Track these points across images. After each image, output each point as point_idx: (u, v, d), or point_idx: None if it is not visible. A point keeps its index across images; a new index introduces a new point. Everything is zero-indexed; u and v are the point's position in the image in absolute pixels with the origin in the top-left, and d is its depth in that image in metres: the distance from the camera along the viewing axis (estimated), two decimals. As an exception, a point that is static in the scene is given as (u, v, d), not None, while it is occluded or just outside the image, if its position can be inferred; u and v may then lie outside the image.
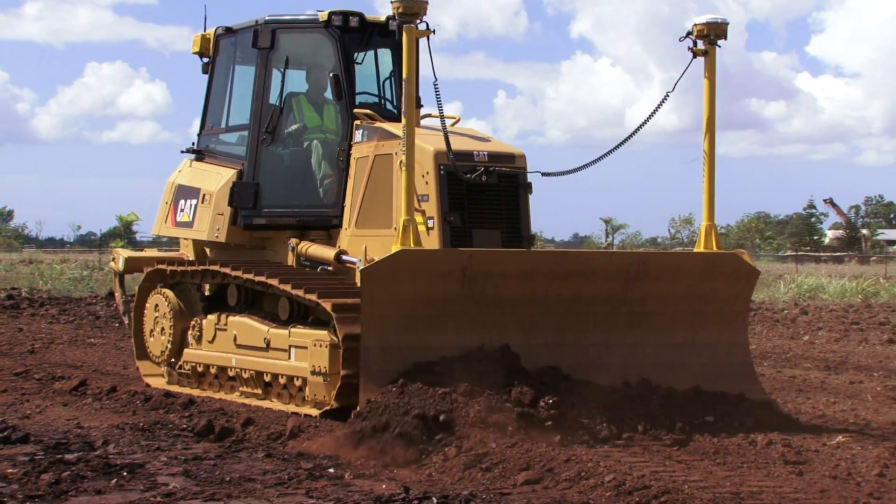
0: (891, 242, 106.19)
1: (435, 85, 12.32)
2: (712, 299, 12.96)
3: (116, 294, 18.15)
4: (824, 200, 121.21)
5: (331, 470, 10.33)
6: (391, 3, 11.90)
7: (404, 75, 11.90)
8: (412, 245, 11.71)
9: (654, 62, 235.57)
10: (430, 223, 13.10)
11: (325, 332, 12.88)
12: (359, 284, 13.23)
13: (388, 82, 15.80)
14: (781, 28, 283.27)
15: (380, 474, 10.19)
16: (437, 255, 12.22)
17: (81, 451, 11.05)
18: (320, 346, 12.83)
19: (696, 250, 13.36)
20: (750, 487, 9.44)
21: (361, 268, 13.11)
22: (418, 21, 11.90)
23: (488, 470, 10.05)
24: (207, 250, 16.32)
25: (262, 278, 13.65)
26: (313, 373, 12.97)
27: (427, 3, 11.91)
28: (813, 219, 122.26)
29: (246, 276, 13.93)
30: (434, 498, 9.11)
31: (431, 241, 12.81)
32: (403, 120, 11.90)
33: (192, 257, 16.54)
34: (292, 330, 13.57)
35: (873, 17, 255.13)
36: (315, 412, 12.84)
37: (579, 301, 12.34)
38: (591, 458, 10.13)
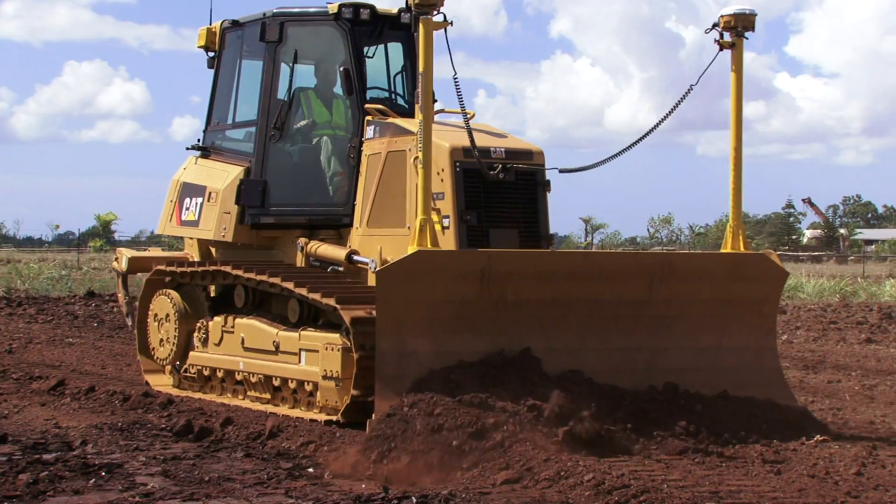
0: (868, 242, 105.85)
1: (455, 79, 11.66)
2: (740, 302, 12.24)
3: (119, 295, 17.26)
4: (802, 200, 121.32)
5: (310, 469, 10.19)
6: None
7: (420, 69, 11.15)
8: (429, 245, 10.99)
9: (634, 62, 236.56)
10: (446, 222, 12.33)
11: (337, 335, 12.20)
12: (371, 285, 12.65)
13: (398, 77, 14.97)
14: (760, 28, 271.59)
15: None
16: (455, 256, 11.50)
17: (59, 451, 10.87)
18: (332, 349, 12.13)
19: (722, 251, 12.57)
20: (728, 486, 9.17)
21: (375, 269, 12.50)
22: (435, 12, 11.14)
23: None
24: (213, 250, 15.58)
25: (277, 280, 12.99)
26: (325, 377, 12.24)
27: None
28: (791, 218, 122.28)
29: (259, 277, 13.26)
30: (413, 497, 8.94)
31: (447, 241, 12.11)
32: (420, 115, 11.14)
33: (197, 257, 15.80)
34: (302, 333, 12.86)
35: (851, 17, 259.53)
36: (326, 418, 12.15)
37: (602, 304, 11.61)
38: (570, 458, 9.78)
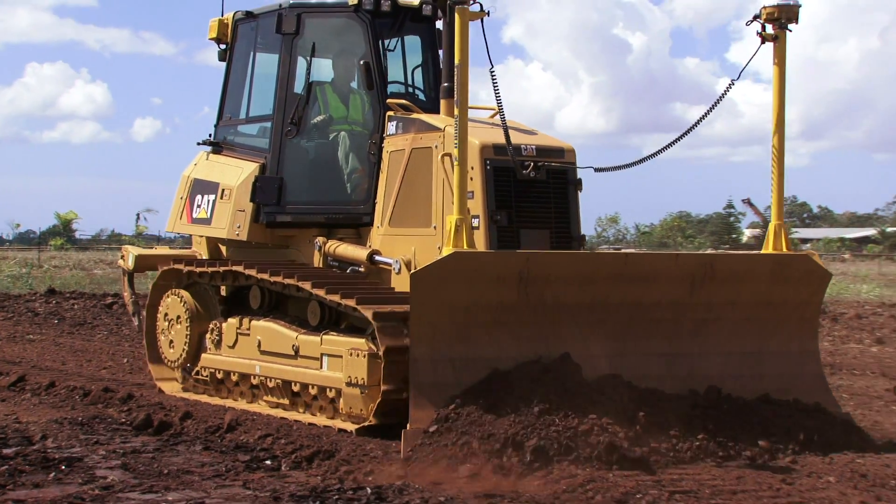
0: (804, 241, 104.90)
1: (491, 72, 10.48)
2: (783, 304, 11.25)
3: (125, 294, 16.02)
4: (742, 200, 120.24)
5: (267, 462, 10.02)
6: None
7: (456, 61, 10.04)
8: (465, 246, 9.95)
9: (584, 67, 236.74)
10: (476, 222, 11.21)
11: (363, 340, 11.14)
12: (394, 288, 11.82)
13: (417, 70, 13.77)
14: (703, 35, 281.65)
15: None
16: (492, 258, 10.44)
17: (20, 445, 10.52)
18: (357, 355, 11.03)
19: (763, 251, 11.55)
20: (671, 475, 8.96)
21: (398, 270, 11.78)
22: (472, 2, 10.05)
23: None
24: (223, 248, 14.36)
25: (292, 281, 11.87)
26: (349, 384, 11.13)
27: None
28: (732, 218, 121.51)
29: (287, 280, 12.04)
30: (368, 489, 8.71)
31: (477, 242, 10.87)
32: (456, 110, 10.05)
33: (206, 255, 14.68)
34: (325, 337, 11.78)
35: (790, 25, 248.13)
36: (351, 426, 11.09)
37: (642, 307, 10.61)
38: (610, 472, 9.08)
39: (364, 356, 10.85)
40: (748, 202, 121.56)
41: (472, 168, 11.11)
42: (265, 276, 12.14)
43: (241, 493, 8.74)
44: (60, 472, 9.33)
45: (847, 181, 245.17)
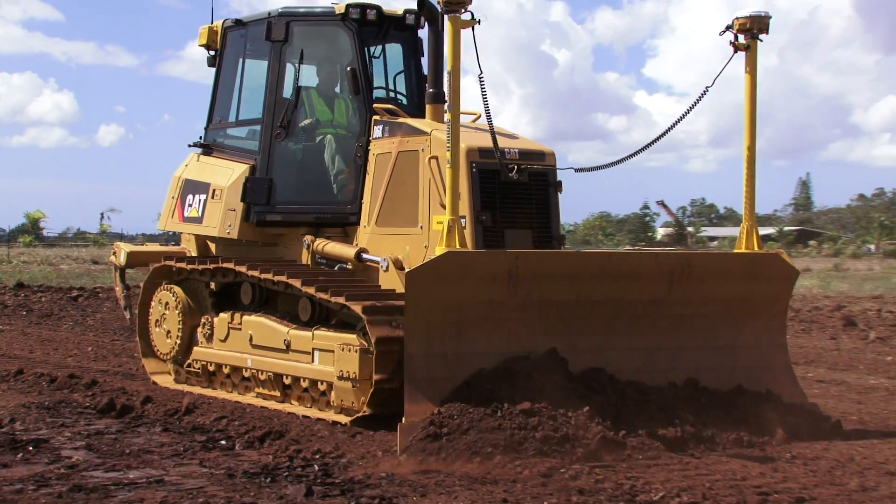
0: (712, 238, 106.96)
1: (480, 78, 10.13)
2: (754, 300, 11.04)
3: (117, 289, 15.66)
4: (657, 202, 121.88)
5: (223, 442, 10.10)
6: None
7: (448, 67, 9.71)
8: (458, 246, 9.65)
9: (514, 80, 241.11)
10: (462, 222, 10.61)
11: (354, 335, 10.84)
12: (381, 285, 11.56)
13: (399, 77, 13.45)
14: (622, 52, 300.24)
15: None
16: (484, 257, 10.12)
17: None
18: (349, 350, 10.74)
19: (736, 251, 11.34)
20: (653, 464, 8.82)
21: (386, 268, 11.46)
22: (463, 10, 9.72)
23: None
24: (212, 245, 13.99)
25: (282, 278, 11.56)
26: (340, 378, 10.84)
27: None
28: (647, 218, 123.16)
29: (264, 275, 11.84)
30: (315, 465, 8.94)
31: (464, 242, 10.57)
32: (448, 114, 9.75)
33: (195, 252, 14.29)
34: (316, 332, 11.46)
35: (698, 44, 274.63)
36: (343, 419, 10.78)
37: (624, 303, 10.36)
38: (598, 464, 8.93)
39: (355, 351, 10.57)
40: (662, 203, 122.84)
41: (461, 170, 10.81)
42: (270, 277, 11.68)
43: (197, 470, 8.82)
44: (28, 452, 9.41)
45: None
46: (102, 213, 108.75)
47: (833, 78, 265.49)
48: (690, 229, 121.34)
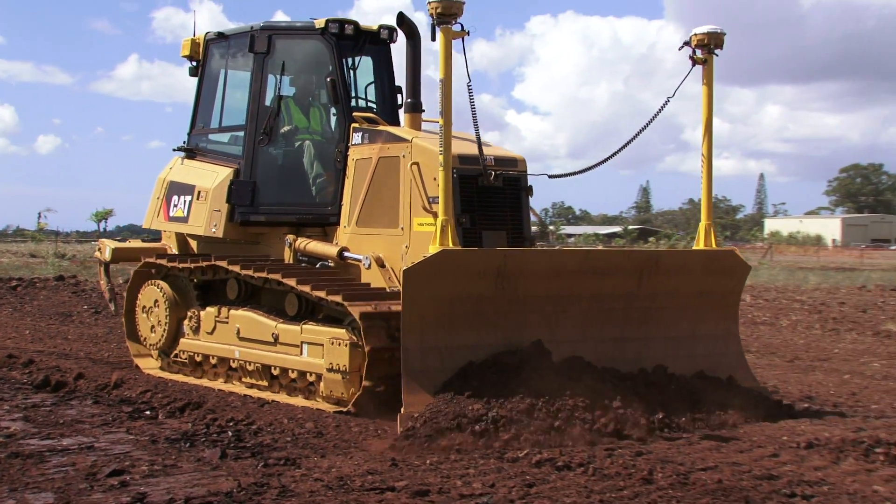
0: (569, 235, 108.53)
1: (468, 86, 9.46)
2: (711, 294, 10.60)
3: (101, 282, 14.56)
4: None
5: (147, 412, 10.09)
6: (428, 3, 9.10)
7: (440, 76, 9.10)
8: (451, 245, 9.04)
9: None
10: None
11: (343, 330, 10.12)
12: (369, 283, 10.78)
13: (372, 87, 12.65)
14: (495, 77, 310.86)
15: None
16: (475, 255, 9.47)
17: None
18: (339, 344, 10.03)
19: (696, 248, 10.89)
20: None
21: (368, 265, 10.76)
22: (454, 22, 9.11)
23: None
24: (193, 242, 13.21)
25: (316, 291, 10.46)
26: (330, 370, 10.12)
27: (464, 3, 9.14)
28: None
29: (258, 273, 11.04)
30: (229, 432, 9.00)
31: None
32: (440, 120, 9.08)
33: (175, 249, 13.45)
34: (304, 327, 10.69)
35: (559, 71, 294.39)
36: (332, 408, 10.06)
37: (599, 297, 9.83)
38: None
39: (346, 345, 9.88)
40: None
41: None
42: (277, 277, 10.74)
43: (124, 437, 8.84)
44: (-30, 425, 9.39)
45: (601, 190, 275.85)
46: (40, 213, 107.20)
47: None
48: (552, 228, 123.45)
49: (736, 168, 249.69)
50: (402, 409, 8.54)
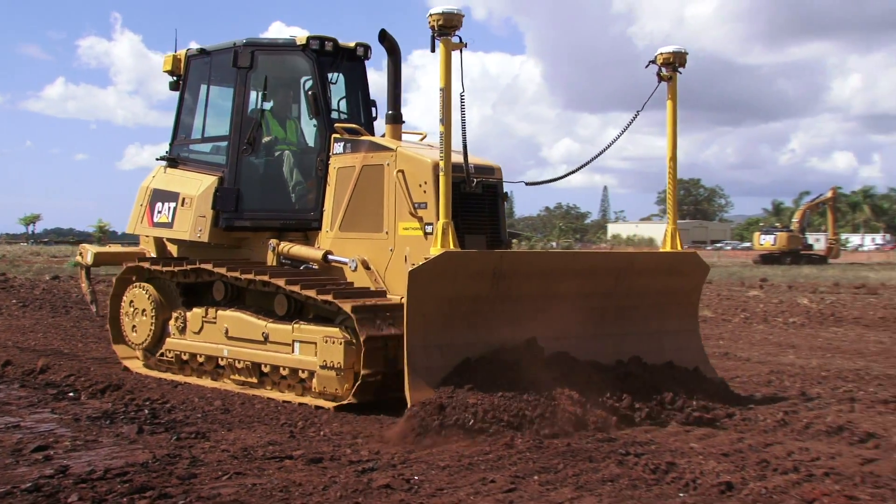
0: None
1: (462, 96, 8.68)
2: (675, 292, 10.00)
3: (83, 285, 13.44)
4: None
5: (70, 394, 9.86)
6: (429, 15, 8.36)
7: (440, 85, 8.34)
8: (451, 247, 8.30)
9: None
10: (429, 228, 9.45)
11: (336, 329, 9.28)
12: (352, 283, 10.00)
13: (349, 100, 11.66)
14: (382, 103, 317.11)
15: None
16: (474, 256, 8.70)
17: None
18: (333, 342, 9.21)
19: (662, 250, 10.29)
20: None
21: (354, 268, 9.92)
22: (453, 34, 8.37)
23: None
24: (172, 247, 12.17)
25: (265, 276, 9.97)
26: (324, 367, 9.27)
27: (464, 16, 8.40)
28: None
29: (259, 277, 10.07)
30: (146, 410, 8.93)
31: (433, 246, 8.96)
32: (441, 127, 8.30)
33: (153, 252, 12.38)
34: (296, 326, 9.78)
35: (436, 99, 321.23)
36: (327, 404, 9.18)
37: (581, 296, 9.13)
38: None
39: (340, 343, 9.04)
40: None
41: (426, 182, 9.42)
42: (281, 284, 9.71)
43: (49, 417, 8.68)
44: None
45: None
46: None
47: (528, 125, 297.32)
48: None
49: (584, 181, 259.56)
50: (409, 404, 7.72)
